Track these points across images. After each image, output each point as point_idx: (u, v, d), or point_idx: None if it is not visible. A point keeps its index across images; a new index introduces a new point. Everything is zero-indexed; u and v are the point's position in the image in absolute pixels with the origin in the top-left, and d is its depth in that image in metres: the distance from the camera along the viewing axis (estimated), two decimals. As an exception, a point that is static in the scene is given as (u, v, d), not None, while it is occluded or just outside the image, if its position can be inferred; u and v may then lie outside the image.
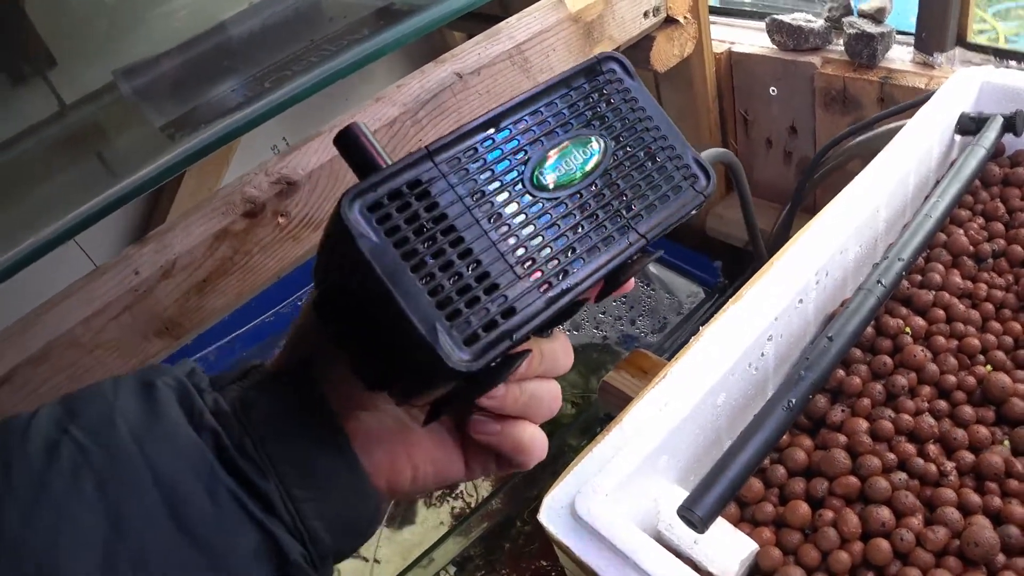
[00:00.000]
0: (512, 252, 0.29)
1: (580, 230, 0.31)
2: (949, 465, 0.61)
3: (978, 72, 0.88)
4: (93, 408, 0.30)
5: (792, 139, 1.20)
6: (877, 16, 1.05)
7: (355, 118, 0.75)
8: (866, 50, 1.04)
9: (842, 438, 0.63)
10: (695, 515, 0.54)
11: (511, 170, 0.30)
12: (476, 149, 0.30)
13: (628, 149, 0.33)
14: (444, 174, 0.29)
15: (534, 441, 0.35)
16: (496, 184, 0.30)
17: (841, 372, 0.68)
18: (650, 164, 0.33)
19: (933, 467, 0.61)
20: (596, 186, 0.32)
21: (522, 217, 0.30)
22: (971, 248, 0.77)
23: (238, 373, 0.34)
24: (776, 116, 1.18)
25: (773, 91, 1.15)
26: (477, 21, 1.14)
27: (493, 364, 0.28)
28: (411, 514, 1.30)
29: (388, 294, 0.26)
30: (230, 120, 0.84)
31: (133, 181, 0.78)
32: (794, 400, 0.59)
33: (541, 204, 0.30)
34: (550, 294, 0.29)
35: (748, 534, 0.60)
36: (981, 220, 0.81)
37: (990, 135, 0.80)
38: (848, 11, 1.10)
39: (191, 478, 0.29)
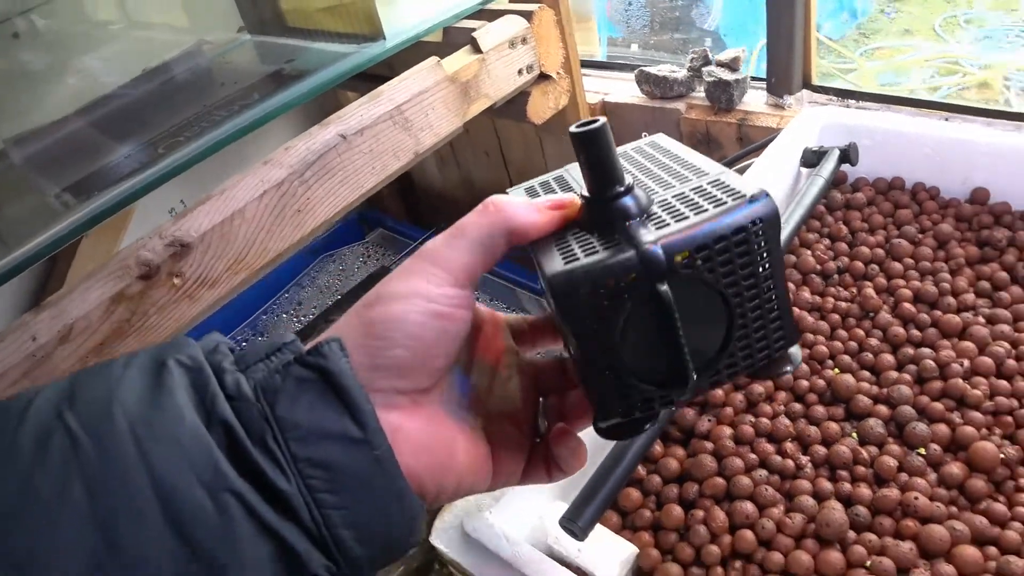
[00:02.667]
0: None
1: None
2: (804, 459, 0.68)
3: (819, 112, 0.99)
4: (94, 390, 0.27)
5: (668, 179, 1.29)
6: (733, 65, 1.16)
7: (243, 181, 0.79)
8: (724, 96, 1.14)
9: (709, 444, 0.69)
10: (575, 525, 0.58)
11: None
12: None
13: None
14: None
15: (583, 457, 0.37)
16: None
17: (708, 385, 0.75)
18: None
19: (790, 462, 0.67)
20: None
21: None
22: (818, 267, 0.85)
23: (268, 347, 0.30)
24: (651, 158, 1.28)
25: (645, 135, 1.25)
26: (367, 81, 1.19)
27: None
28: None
29: (676, 332, 0.30)
30: (124, 186, 0.86)
31: (27, 251, 0.79)
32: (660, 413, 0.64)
33: None
34: (740, 369, 0.34)
35: (629, 539, 0.65)
36: (827, 241, 0.90)
37: (828, 166, 0.89)
38: (707, 61, 1.20)
39: (193, 481, 0.26)
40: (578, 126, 0.32)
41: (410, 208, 1.82)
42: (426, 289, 0.31)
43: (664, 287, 0.30)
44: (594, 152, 0.32)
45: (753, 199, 0.30)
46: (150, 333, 0.75)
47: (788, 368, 0.35)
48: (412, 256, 0.33)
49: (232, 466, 0.27)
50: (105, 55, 1.18)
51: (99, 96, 1.11)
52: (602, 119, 0.32)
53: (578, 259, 0.31)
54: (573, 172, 0.41)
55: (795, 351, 0.35)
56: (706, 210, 0.31)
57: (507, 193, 0.38)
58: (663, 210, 0.32)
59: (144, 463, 0.25)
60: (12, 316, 1.31)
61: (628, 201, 0.32)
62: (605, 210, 0.32)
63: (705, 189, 0.33)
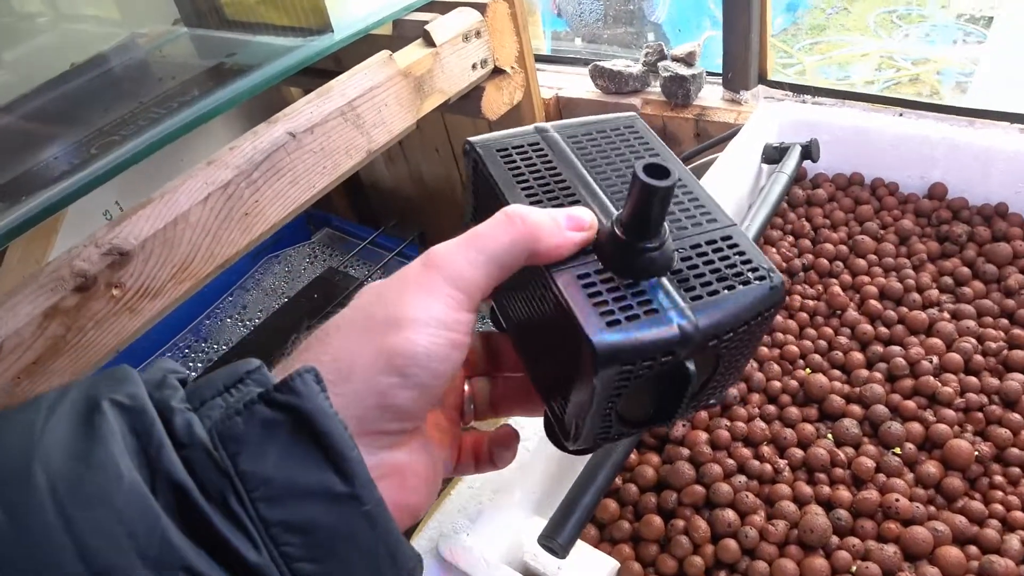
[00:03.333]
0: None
1: None
2: (782, 463, 0.66)
3: (778, 108, 0.98)
4: (8, 441, 0.22)
5: (624, 175, 1.28)
6: (688, 60, 1.15)
7: (186, 183, 0.74)
8: (680, 91, 1.13)
9: (685, 451, 0.67)
10: (555, 543, 0.56)
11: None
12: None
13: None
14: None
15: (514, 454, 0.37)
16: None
17: (680, 389, 0.73)
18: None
19: (768, 466, 0.66)
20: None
21: None
22: (784, 264, 0.85)
23: (227, 377, 0.25)
24: (607, 155, 1.26)
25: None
26: (312, 77, 1.15)
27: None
28: None
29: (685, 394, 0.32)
30: (55, 190, 0.80)
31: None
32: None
33: None
34: (703, 406, 0.37)
35: (609, 553, 0.62)
36: (791, 239, 0.89)
37: (790, 162, 0.88)
38: (662, 56, 1.19)
39: (134, 559, 0.21)
40: (647, 171, 0.28)
41: (358, 206, 1.77)
42: (446, 315, 0.28)
43: (691, 365, 0.30)
44: (651, 206, 0.29)
45: (773, 284, 0.31)
46: (88, 349, 0.70)
47: (714, 401, 0.37)
48: (425, 263, 0.29)
49: (186, 535, 0.22)
50: (29, 49, 1.10)
51: (22, 93, 1.04)
52: (675, 176, 0.29)
53: (619, 322, 0.29)
54: (558, 144, 0.37)
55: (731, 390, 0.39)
56: (733, 286, 0.31)
57: (475, 145, 0.36)
58: (688, 267, 0.32)
59: (71, 536, 0.20)
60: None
61: (659, 255, 0.31)
62: (636, 257, 0.31)
63: (721, 249, 0.33)
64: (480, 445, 0.37)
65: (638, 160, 0.36)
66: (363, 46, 0.98)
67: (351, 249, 1.60)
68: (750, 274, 0.31)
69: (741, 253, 0.32)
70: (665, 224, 0.31)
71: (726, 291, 0.31)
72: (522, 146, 0.37)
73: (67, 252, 0.69)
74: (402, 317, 0.27)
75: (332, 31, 0.94)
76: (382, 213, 1.74)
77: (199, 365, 1.42)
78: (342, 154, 0.86)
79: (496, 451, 0.37)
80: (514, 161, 0.36)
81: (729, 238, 0.33)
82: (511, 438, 0.37)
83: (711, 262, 0.32)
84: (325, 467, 0.24)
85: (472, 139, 0.37)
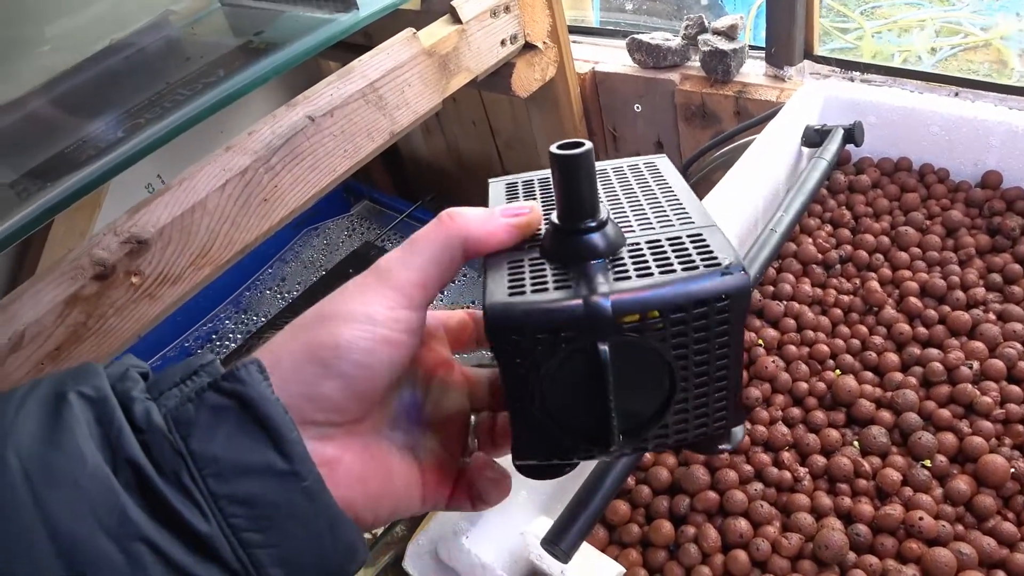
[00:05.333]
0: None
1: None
2: (803, 471, 0.64)
3: (822, 86, 0.93)
4: None
5: (659, 153, 1.24)
6: (730, 33, 1.10)
7: (203, 170, 0.74)
8: (720, 66, 1.08)
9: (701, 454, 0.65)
10: (558, 548, 0.55)
11: None
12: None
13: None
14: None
15: (506, 488, 0.36)
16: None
17: (701, 388, 0.71)
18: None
19: (788, 474, 0.63)
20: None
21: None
22: (820, 256, 0.81)
23: (184, 371, 0.28)
24: (642, 132, 1.22)
25: (637, 108, 1.19)
26: (345, 51, 1.13)
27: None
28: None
29: (607, 394, 0.28)
30: (93, 167, 0.81)
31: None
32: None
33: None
34: (671, 440, 0.31)
35: (616, 556, 0.61)
36: (829, 228, 0.85)
37: (831, 147, 0.84)
38: (703, 29, 1.14)
39: (96, 530, 0.23)
40: (560, 147, 0.29)
41: (396, 179, 1.76)
42: (377, 312, 0.29)
43: (604, 346, 0.27)
44: (571, 179, 0.29)
45: (726, 271, 0.27)
46: (109, 336, 0.71)
47: (725, 446, 0.33)
48: (366, 272, 0.31)
49: (143, 510, 0.24)
50: (69, 27, 1.11)
51: (62, 71, 1.05)
52: (588, 144, 0.29)
53: (524, 292, 0.28)
54: None
55: (737, 430, 0.33)
56: (674, 270, 0.28)
57: (489, 184, 0.38)
58: (631, 256, 0.29)
59: (40, 512, 0.23)
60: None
61: (597, 237, 0.30)
62: (571, 241, 0.30)
63: (682, 243, 0.30)
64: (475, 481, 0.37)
65: (642, 187, 0.35)
66: (393, 21, 0.95)
67: (389, 222, 1.59)
68: (702, 264, 0.28)
69: (705, 248, 0.29)
70: (604, 210, 0.30)
71: (660, 273, 0.28)
72: (530, 180, 0.37)
73: (87, 241, 0.69)
74: (332, 314, 0.29)
75: (357, 8, 0.92)
76: (420, 186, 1.73)
77: (238, 336, 1.45)
78: (364, 137, 0.85)
79: (479, 484, 0.35)
80: (516, 188, 0.37)
81: (699, 236, 0.30)
82: (486, 466, 0.36)
83: (663, 254, 0.29)
84: (267, 447, 0.26)
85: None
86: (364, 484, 0.30)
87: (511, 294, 0.28)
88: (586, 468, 0.63)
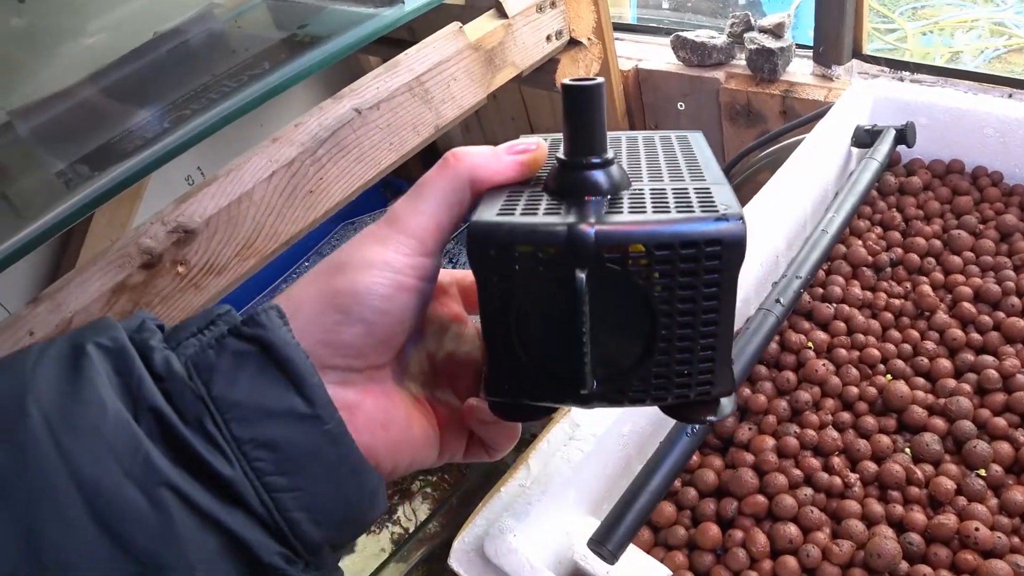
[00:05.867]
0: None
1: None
2: (853, 477, 0.62)
3: (872, 86, 0.91)
4: (5, 382, 0.24)
5: (704, 152, 1.22)
6: (777, 31, 1.08)
7: (250, 161, 0.74)
8: (767, 64, 1.07)
9: (749, 457, 0.64)
10: (605, 548, 0.54)
11: None
12: None
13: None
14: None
15: (512, 433, 0.36)
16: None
17: (747, 390, 0.69)
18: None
19: (838, 480, 0.62)
20: None
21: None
22: (870, 259, 0.79)
23: (201, 320, 0.28)
24: (685, 130, 1.20)
25: (681, 106, 1.17)
26: (388, 47, 1.13)
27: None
28: (349, 542, 1.30)
29: (582, 333, 0.27)
30: (133, 161, 0.82)
31: (38, 227, 0.75)
32: (696, 425, 0.59)
33: None
34: (648, 397, 0.30)
35: (661, 559, 0.60)
36: (879, 230, 0.83)
37: (883, 148, 0.82)
38: (749, 27, 1.12)
39: (121, 478, 0.23)
40: (573, 79, 0.29)
41: (432, 174, 1.76)
42: (394, 259, 0.30)
43: (582, 274, 0.27)
44: (582, 111, 0.29)
45: (722, 217, 0.27)
46: (154, 324, 0.71)
47: (710, 418, 0.31)
48: (380, 220, 0.31)
49: (166, 456, 0.24)
50: (116, 18, 1.12)
51: (108, 63, 1.06)
52: (600, 79, 0.29)
53: (512, 215, 0.28)
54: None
55: (726, 402, 0.31)
56: (668, 211, 0.28)
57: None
58: (630, 198, 0.29)
59: (63, 461, 0.23)
60: (26, 296, 1.28)
61: (599, 175, 0.30)
62: (574, 177, 0.30)
63: (686, 193, 0.29)
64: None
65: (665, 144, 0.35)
66: (437, 16, 0.95)
67: (424, 218, 1.59)
68: (699, 208, 0.27)
69: (707, 198, 0.28)
70: (612, 152, 0.30)
71: (653, 212, 0.27)
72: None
73: (134, 230, 0.70)
74: (349, 262, 0.30)
75: (403, 2, 0.92)
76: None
77: (274, 329, 1.45)
78: (409, 130, 0.85)
79: (476, 430, 0.35)
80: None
81: (706, 190, 0.29)
82: (475, 408, 0.34)
83: (663, 198, 0.29)
84: (289, 391, 0.26)
85: None
86: (385, 431, 0.31)
87: (499, 215, 0.28)
88: (634, 469, 0.62)
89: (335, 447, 0.27)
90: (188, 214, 0.70)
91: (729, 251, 0.27)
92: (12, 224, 0.80)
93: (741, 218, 0.27)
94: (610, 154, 0.30)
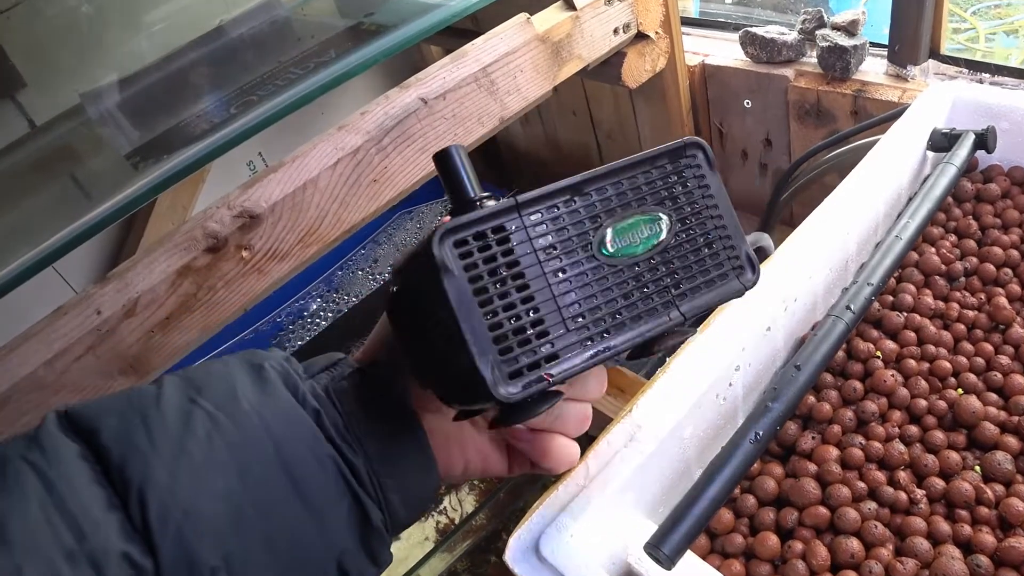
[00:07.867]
0: (568, 307, 0.33)
1: (630, 298, 0.34)
2: (919, 493, 0.60)
3: (951, 87, 0.88)
4: (217, 384, 0.34)
5: (767, 151, 1.20)
6: (850, 29, 1.05)
7: (316, 148, 0.74)
8: (839, 63, 1.03)
9: (812, 467, 0.62)
10: (661, 553, 0.53)
11: (584, 233, 0.34)
12: (557, 208, 0.33)
13: (690, 232, 0.36)
14: (525, 226, 0.32)
15: (561, 451, 0.41)
16: (568, 243, 0.33)
17: (812, 398, 0.68)
18: (706, 250, 0.36)
19: (903, 495, 0.60)
20: (654, 261, 0.35)
21: (583, 278, 0.33)
22: (943, 267, 0.76)
23: (326, 363, 0.39)
24: (751, 129, 1.18)
25: (747, 103, 1.15)
26: (452, 37, 1.13)
27: (529, 399, 0.31)
28: (395, 530, 1.32)
29: (456, 322, 0.30)
30: (200, 146, 0.83)
31: (106, 208, 0.77)
32: (761, 432, 0.58)
33: (602, 269, 0.34)
34: (591, 351, 0.33)
35: (718, 566, 0.59)
36: (953, 238, 0.80)
37: (962, 153, 0.79)
38: (821, 24, 1.09)
39: (303, 447, 0.34)
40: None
41: (492, 166, 1.76)
42: None
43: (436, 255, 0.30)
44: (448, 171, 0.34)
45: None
46: (217, 308, 0.72)
47: (541, 408, 0.33)
48: None
49: (323, 441, 0.35)
50: (180, 6, 1.14)
51: (173, 50, 1.08)
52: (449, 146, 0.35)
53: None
54: None
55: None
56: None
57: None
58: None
59: (267, 432, 0.33)
60: (92, 276, 1.31)
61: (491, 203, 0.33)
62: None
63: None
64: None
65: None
66: (502, 6, 0.95)
67: (481, 209, 1.59)
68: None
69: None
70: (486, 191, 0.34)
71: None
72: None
73: (201, 213, 0.71)
74: None
75: (469, -8, 0.91)
76: (515, 174, 1.72)
77: (329, 315, 1.47)
78: (474, 121, 0.84)
79: (524, 449, 0.41)
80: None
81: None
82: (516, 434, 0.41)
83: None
84: (393, 411, 0.38)
85: None
86: (461, 450, 0.41)
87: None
88: (693, 473, 0.61)
89: (420, 454, 0.38)
90: (254, 199, 0.71)
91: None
92: (82, 205, 0.82)
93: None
94: (485, 193, 0.34)
